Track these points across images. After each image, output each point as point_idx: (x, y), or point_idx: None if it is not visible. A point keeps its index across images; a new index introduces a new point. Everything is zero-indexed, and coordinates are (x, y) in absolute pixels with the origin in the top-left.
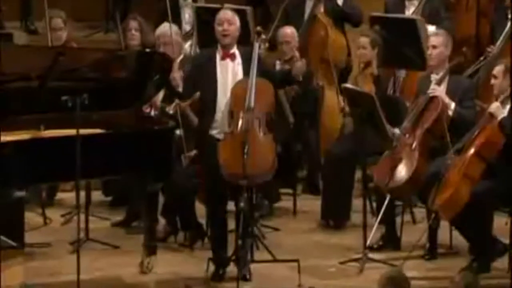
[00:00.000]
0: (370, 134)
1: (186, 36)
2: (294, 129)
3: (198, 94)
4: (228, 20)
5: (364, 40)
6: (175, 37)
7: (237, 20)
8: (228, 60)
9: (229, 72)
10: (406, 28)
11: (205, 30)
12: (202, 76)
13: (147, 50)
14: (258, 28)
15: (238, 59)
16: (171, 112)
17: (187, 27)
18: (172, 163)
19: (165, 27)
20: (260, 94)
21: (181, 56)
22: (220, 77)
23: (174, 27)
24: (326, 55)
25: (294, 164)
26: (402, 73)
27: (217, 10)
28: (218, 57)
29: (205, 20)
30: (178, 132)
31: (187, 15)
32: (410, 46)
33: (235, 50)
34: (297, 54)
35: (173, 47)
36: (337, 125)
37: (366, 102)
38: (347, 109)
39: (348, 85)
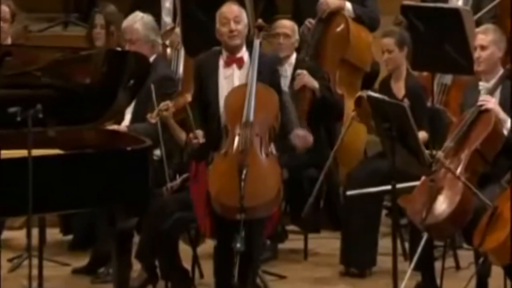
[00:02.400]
0: (402, 156)
1: (167, 33)
2: (306, 149)
3: (187, 97)
4: (235, 17)
5: (389, 42)
6: (143, 32)
7: (244, 17)
8: (234, 67)
9: (235, 83)
10: (447, 20)
11: (192, 23)
12: (204, 90)
13: (119, 49)
14: (259, 21)
15: (247, 65)
16: (153, 121)
17: (168, 19)
18: (150, 192)
19: (133, 19)
20: (261, 104)
21: (153, 57)
22: (224, 91)
23: (145, 19)
24: (347, 55)
25: (306, 194)
26: (447, 79)
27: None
28: (221, 63)
29: (192, 11)
30: (158, 153)
31: (167, 3)
32: (453, 44)
33: (243, 53)
34: (294, 56)
35: (141, 45)
36: (361, 144)
37: (396, 114)
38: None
39: (372, 92)
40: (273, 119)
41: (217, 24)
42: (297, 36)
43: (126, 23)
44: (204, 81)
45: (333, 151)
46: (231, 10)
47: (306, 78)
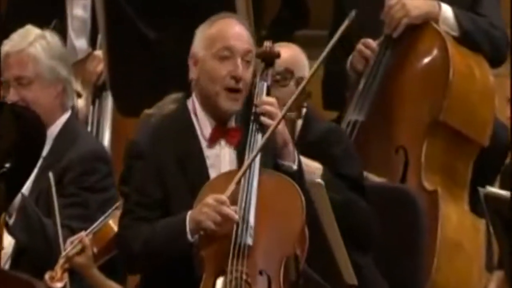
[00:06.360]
0: None
1: (77, 66)
2: None
3: (113, 223)
4: (247, 51)
5: None
6: (47, 64)
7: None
8: (222, 144)
9: (227, 168)
10: None
11: (128, 47)
12: (171, 200)
13: None
14: (268, 45)
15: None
16: (58, 286)
17: (80, 42)
18: None
19: (25, 38)
20: (270, 211)
21: (65, 116)
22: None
23: (49, 38)
24: (443, 112)
25: None
26: None
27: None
28: (201, 139)
29: (128, 22)
30: None
31: (79, 9)
32: None
33: (233, 121)
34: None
35: (44, 89)
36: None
37: None
38: None
39: (495, 189)
40: (293, 240)
41: (201, 51)
42: (302, 73)
43: (9, 46)
44: (170, 185)
45: None
46: (238, 33)
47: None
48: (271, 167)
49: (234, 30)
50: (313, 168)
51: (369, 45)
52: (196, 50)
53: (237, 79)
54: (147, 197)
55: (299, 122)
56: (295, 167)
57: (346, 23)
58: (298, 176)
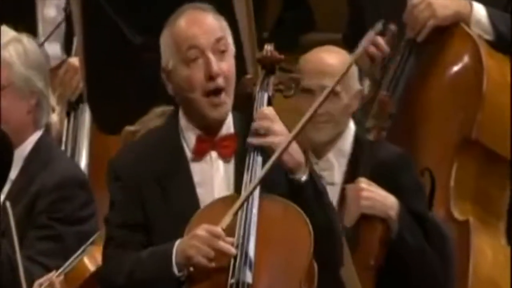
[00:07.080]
0: None
1: (53, 74)
2: None
3: (87, 261)
4: (219, 39)
5: None
6: (21, 71)
7: (230, 36)
8: (213, 157)
9: (221, 185)
10: None
11: (109, 53)
12: (160, 211)
13: None
14: (268, 49)
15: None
16: None
17: (53, 48)
18: None
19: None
20: (272, 245)
21: (37, 134)
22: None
23: (26, 43)
24: (476, 129)
25: None
26: None
27: None
28: (188, 153)
29: (107, 23)
30: None
31: (51, 10)
32: None
33: (229, 125)
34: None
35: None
36: None
37: None
38: None
39: None
40: (299, 276)
41: (169, 61)
42: (356, 87)
43: None
44: (150, 212)
45: None
46: (201, 25)
47: (367, 200)
48: (283, 180)
49: (196, 24)
50: (390, 202)
51: (378, 43)
52: (165, 61)
53: (213, 77)
54: (129, 219)
55: (349, 142)
56: (304, 177)
57: (371, 34)
58: (311, 188)
